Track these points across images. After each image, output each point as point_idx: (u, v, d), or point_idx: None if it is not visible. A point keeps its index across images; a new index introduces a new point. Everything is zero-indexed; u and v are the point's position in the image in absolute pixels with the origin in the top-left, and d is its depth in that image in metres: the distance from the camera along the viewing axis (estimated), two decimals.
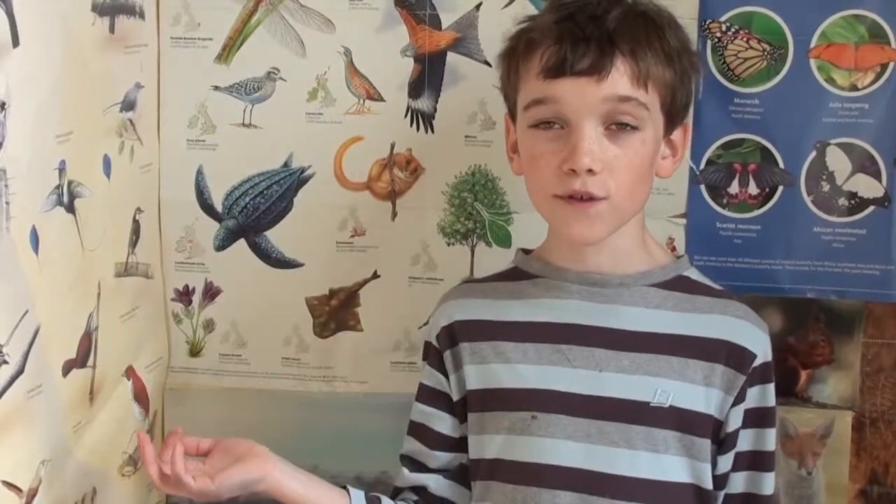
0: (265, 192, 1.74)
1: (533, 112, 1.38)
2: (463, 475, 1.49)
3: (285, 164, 1.73)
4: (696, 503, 1.40)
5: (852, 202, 1.67)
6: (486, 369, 1.45)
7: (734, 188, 1.69)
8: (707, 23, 1.66)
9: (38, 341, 1.32)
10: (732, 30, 1.66)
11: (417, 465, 1.51)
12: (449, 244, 1.73)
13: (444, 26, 1.70)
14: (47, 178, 1.35)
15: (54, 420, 1.40)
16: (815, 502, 1.71)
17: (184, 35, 1.71)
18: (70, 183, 1.40)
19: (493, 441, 1.43)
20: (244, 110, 1.73)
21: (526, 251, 1.51)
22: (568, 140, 1.35)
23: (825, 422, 1.70)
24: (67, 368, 1.43)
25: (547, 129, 1.37)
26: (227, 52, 1.72)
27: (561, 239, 1.44)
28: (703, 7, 1.65)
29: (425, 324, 1.58)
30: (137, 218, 1.67)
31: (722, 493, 1.43)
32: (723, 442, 1.41)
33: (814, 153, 1.67)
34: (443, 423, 1.49)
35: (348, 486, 1.46)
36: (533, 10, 1.58)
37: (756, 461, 1.43)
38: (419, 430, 1.50)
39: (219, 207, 1.75)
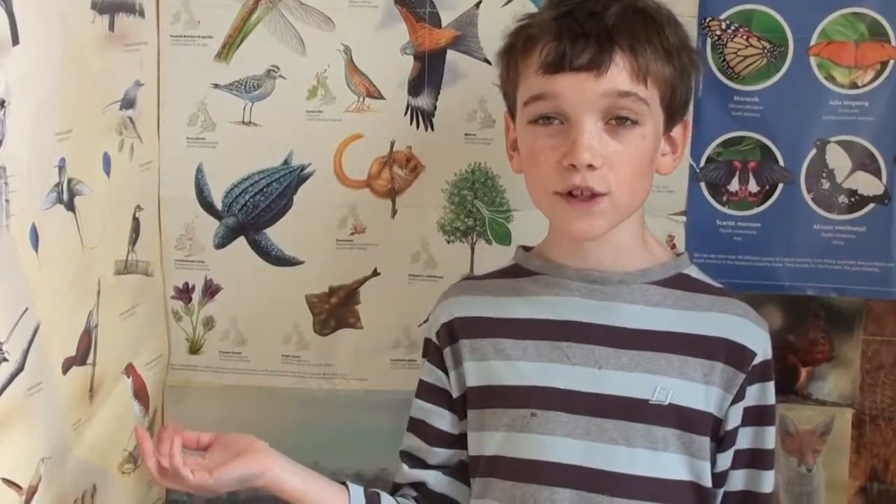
0: (265, 189, 1.74)
1: (532, 108, 1.38)
2: (462, 472, 1.49)
3: (285, 162, 1.73)
4: (696, 501, 1.40)
5: (852, 200, 1.67)
6: (486, 366, 1.45)
7: (734, 186, 1.69)
8: (707, 21, 1.66)
9: (38, 339, 1.32)
10: (732, 27, 1.66)
11: (417, 462, 1.51)
12: (449, 242, 1.73)
13: (443, 24, 1.70)
14: (47, 175, 1.35)
15: (54, 417, 1.40)
16: (815, 499, 1.71)
17: (184, 33, 1.72)
18: (70, 181, 1.40)
19: (492, 438, 1.43)
20: (244, 108, 1.73)
21: (526, 248, 1.51)
22: (567, 136, 1.35)
23: (825, 419, 1.70)
24: (67, 366, 1.43)
25: (546, 125, 1.37)
26: (227, 49, 1.72)
27: (561, 235, 1.44)
28: (702, 5, 1.65)
29: (425, 321, 1.58)
30: (137, 216, 1.67)
31: (721, 491, 1.43)
32: (722, 440, 1.41)
33: (814, 151, 1.67)
34: (442, 420, 1.49)
35: (347, 482, 1.47)
36: (532, 8, 1.58)
37: (755, 459, 1.43)
38: (419, 427, 1.51)
39: (219, 205, 1.75)
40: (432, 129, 1.72)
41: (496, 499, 1.42)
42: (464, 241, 1.73)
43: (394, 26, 1.70)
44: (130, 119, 1.62)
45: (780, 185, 1.68)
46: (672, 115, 1.41)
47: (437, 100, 1.71)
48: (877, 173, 1.66)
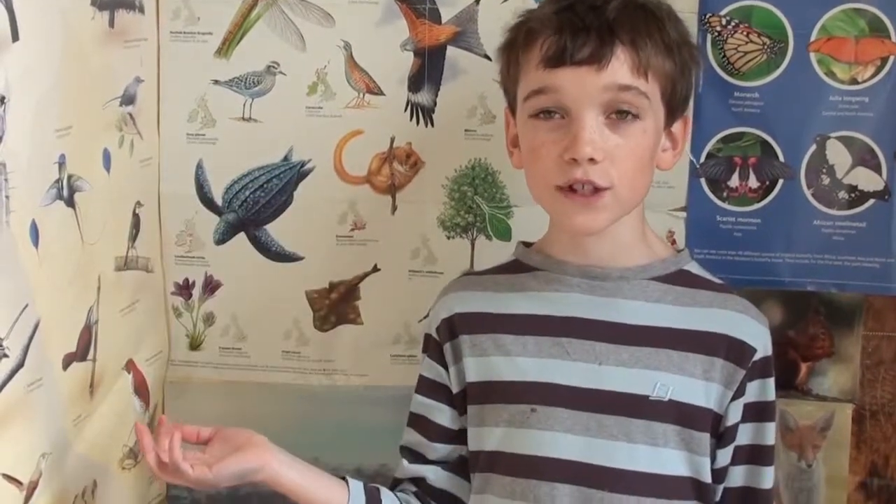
0: (265, 185, 1.74)
1: (533, 102, 1.38)
2: (462, 467, 1.49)
3: (285, 158, 1.73)
4: (695, 497, 1.40)
5: (852, 195, 1.67)
6: (486, 362, 1.45)
7: (734, 181, 1.69)
8: (707, 17, 1.66)
9: (39, 335, 1.32)
10: (732, 23, 1.66)
11: (417, 457, 1.51)
12: (449, 238, 1.74)
13: (443, 20, 1.70)
14: (47, 172, 1.35)
15: (54, 413, 1.41)
16: (816, 495, 1.72)
17: (183, 29, 1.71)
18: (70, 177, 1.40)
19: (492, 433, 1.43)
20: (244, 104, 1.73)
21: (526, 244, 1.51)
22: (569, 130, 1.35)
23: (825, 414, 1.71)
24: (68, 362, 1.43)
25: (547, 120, 1.37)
26: (227, 46, 1.72)
27: (562, 231, 1.44)
28: (703, 1, 1.65)
29: (425, 317, 1.57)
30: (137, 212, 1.67)
31: (721, 487, 1.43)
32: (722, 436, 1.41)
33: (814, 146, 1.67)
34: (442, 415, 1.49)
35: (347, 477, 1.47)
36: (532, 4, 1.58)
37: (755, 455, 1.43)
38: (419, 422, 1.51)
39: (219, 201, 1.75)
40: (432, 125, 1.72)
41: (496, 494, 1.42)
42: (464, 236, 1.73)
43: (394, 22, 1.70)
44: (130, 115, 1.62)
45: (781, 181, 1.68)
46: (673, 110, 1.41)
47: (437, 96, 1.71)
48: (877, 169, 1.66)
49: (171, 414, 1.75)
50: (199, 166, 1.74)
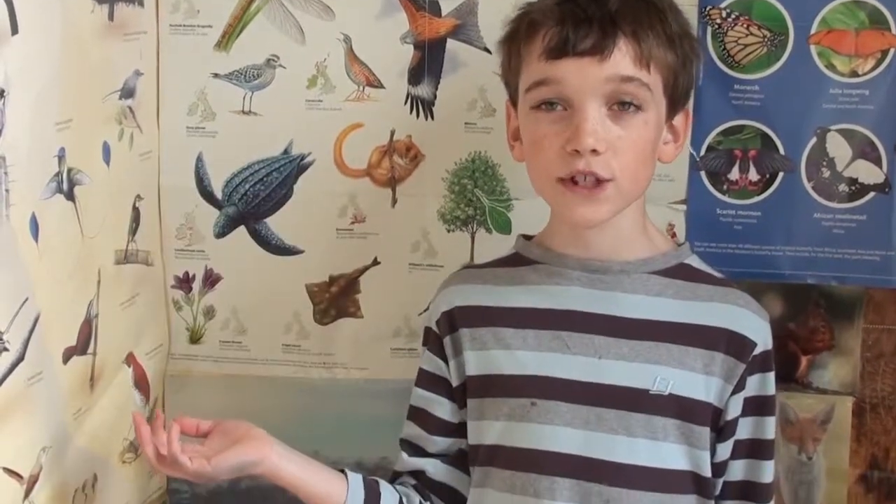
0: (265, 179, 1.74)
1: (535, 93, 1.37)
2: (462, 460, 1.49)
3: (285, 152, 1.73)
4: (695, 490, 1.40)
5: (853, 188, 1.67)
6: (486, 355, 1.45)
7: (734, 174, 1.69)
8: (707, 9, 1.65)
9: (39, 328, 1.32)
10: (733, 16, 1.65)
11: (416, 450, 1.51)
12: (449, 231, 1.73)
13: (443, 13, 1.69)
14: (47, 165, 1.35)
15: (55, 407, 1.41)
16: (816, 487, 1.72)
17: (183, 22, 1.71)
18: (70, 170, 1.40)
19: (492, 427, 1.43)
20: (244, 97, 1.72)
21: (527, 237, 1.51)
22: (571, 121, 1.35)
23: (826, 407, 1.70)
24: (68, 355, 1.43)
25: (549, 111, 1.37)
26: (227, 39, 1.71)
27: (562, 223, 1.44)
28: None
29: (425, 310, 1.58)
30: (137, 205, 1.67)
31: (721, 481, 1.43)
32: (722, 430, 1.41)
33: (814, 139, 1.66)
34: (442, 409, 1.49)
35: (346, 470, 1.46)
36: None
37: (755, 449, 1.43)
38: (419, 415, 1.51)
39: (219, 194, 1.75)
40: (432, 118, 1.72)
41: (496, 488, 1.42)
42: (464, 230, 1.73)
43: (394, 15, 1.69)
44: (130, 108, 1.62)
45: (781, 174, 1.68)
46: (674, 102, 1.41)
47: (437, 89, 1.71)
48: (877, 162, 1.65)
49: (172, 407, 1.76)
50: (199, 159, 1.74)
